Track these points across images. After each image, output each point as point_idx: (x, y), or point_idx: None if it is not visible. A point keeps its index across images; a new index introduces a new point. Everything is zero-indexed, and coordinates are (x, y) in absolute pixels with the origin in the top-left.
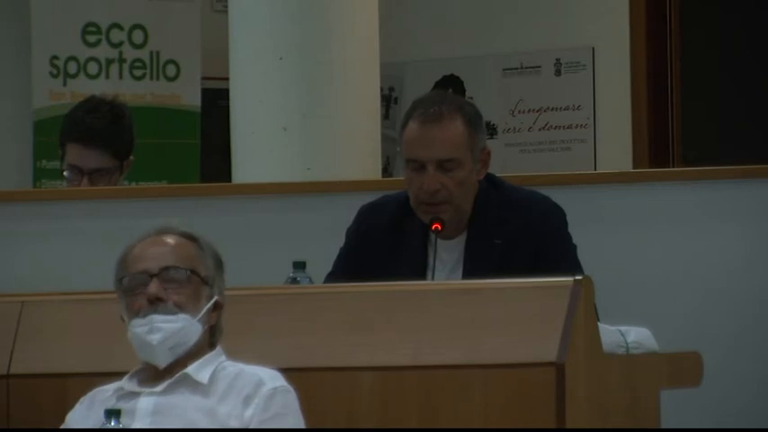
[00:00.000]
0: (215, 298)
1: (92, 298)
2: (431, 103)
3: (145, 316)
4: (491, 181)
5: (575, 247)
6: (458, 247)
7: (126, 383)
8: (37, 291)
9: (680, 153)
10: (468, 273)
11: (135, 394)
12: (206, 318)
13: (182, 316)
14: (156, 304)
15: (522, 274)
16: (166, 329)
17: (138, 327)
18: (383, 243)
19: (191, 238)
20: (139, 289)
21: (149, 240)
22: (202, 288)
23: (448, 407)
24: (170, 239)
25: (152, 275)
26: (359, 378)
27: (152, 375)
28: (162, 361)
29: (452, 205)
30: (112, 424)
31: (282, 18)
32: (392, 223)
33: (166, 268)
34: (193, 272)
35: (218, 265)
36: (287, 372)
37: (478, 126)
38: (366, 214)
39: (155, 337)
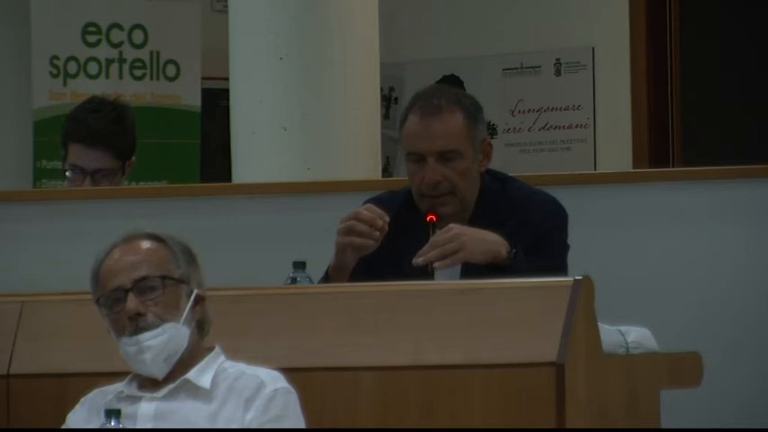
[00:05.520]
0: (195, 292)
1: (92, 298)
2: (430, 96)
3: (131, 335)
4: (496, 177)
5: (568, 247)
6: None
7: (126, 387)
8: (37, 291)
9: (680, 153)
10: (469, 267)
11: (136, 398)
12: (190, 317)
13: (167, 326)
14: (136, 320)
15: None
16: (156, 345)
17: (128, 347)
18: (385, 239)
19: (157, 239)
20: (118, 306)
21: (117, 251)
22: (180, 288)
23: (448, 407)
24: (136, 246)
25: (127, 290)
26: (359, 378)
27: (152, 380)
28: (160, 374)
29: (457, 197)
30: (112, 424)
31: (282, 18)
32: (395, 220)
33: (139, 280)
34: (166, 276)
35: (191, 258)
36: (287, 372)
37: (478, 118)
38: None
39: (147, 356)
